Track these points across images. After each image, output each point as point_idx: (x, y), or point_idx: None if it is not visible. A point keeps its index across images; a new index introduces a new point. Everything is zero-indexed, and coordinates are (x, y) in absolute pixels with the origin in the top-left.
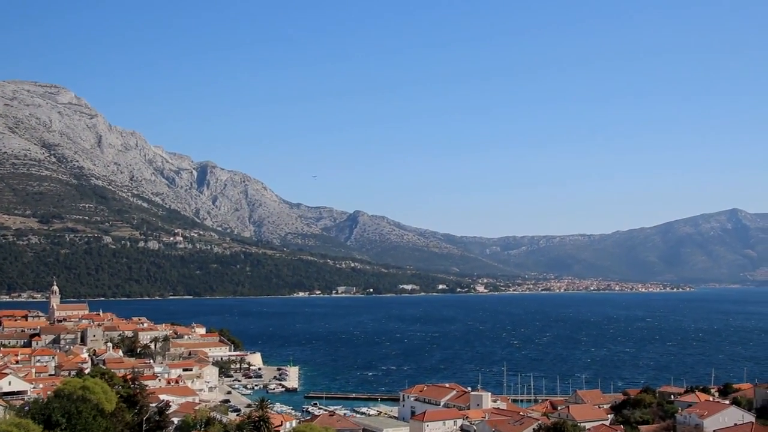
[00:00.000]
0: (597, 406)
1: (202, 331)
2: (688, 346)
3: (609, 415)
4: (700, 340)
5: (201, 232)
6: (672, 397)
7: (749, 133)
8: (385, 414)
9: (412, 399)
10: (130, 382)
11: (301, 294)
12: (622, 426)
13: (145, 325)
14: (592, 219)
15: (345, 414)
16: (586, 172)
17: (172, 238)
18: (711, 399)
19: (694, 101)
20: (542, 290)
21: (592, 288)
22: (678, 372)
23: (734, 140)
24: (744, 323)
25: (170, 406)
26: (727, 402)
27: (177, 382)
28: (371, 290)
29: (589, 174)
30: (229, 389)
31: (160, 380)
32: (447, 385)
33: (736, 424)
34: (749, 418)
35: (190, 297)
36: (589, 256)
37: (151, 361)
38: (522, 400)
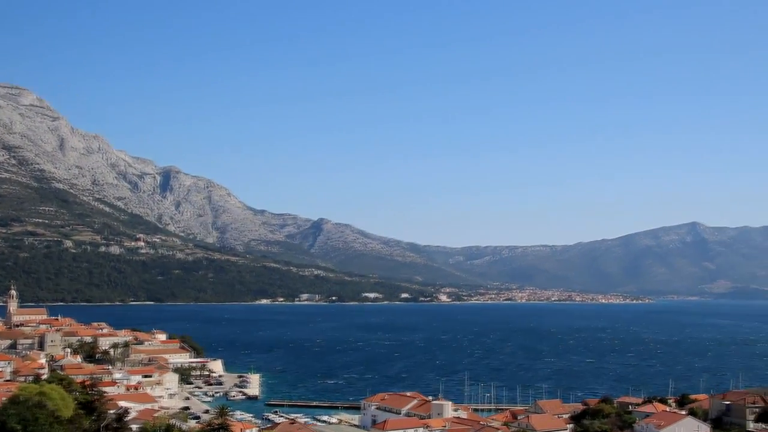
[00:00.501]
0: (557, 416)
1: (163, 337)
2: (648, 357)
3: (569, 425)
4: (659, 351)
5: (163, 238)
6: (630, 407)
7: (709, 148)
8: (347, 422)
9: (373, 407)
10: (89, 389)
11: (264, 301)
12: None
13: (105, 330)
14: (554, 230)
15: (306, 422)
16: (549, 184)
17: (134, 243)
18: (668, 409)
19: (655, 117)
20: (505, 300)
21: (554, 298)
22: (637, 383)
23: (694, 155)
24: (701, 335)
25: (129, 413)
26: (684, 413)
27: (137, 388)
28: (334, 298)
29: (553, 185)
30: (190, 396)
31: (119, 387)
32: (408, 394)
33: None
34: (705, 428)
35: (152, 303)
36: (551, 266)
37: (111, 367)
38: (483, 410)
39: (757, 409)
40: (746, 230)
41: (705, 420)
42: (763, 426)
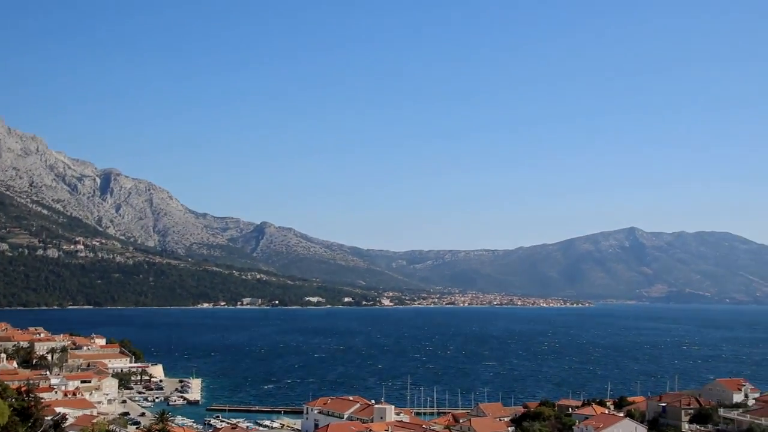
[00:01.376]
0: (498, 419)
1: (102, 342)
2: (587, 361)
3: (509, 428)
4: (598, 354)
5: (103, 241)
6: (570, 409)
7: (646, 155)
8: (289, 427)
9: (315, 412)
10: (24, 395)
11: (205, 305)
12: None
13: (42, 335)
14: (496, 235)
15: (248, 427)
16: (490, 190)
17: (72, 246)
18: (606, 412)
19: (593, 127)
20: (447, 304)
21: (495, 302)
22: (576, 386)
23: (632, 162)
24: (639, 338)
25: (67, 419)
26: (622, 414)
27: (74, 394)
28: (277, 302)
29: (493, 192)
30: (129, 401)
31: (56, 392)
32: (351, 398)
33: None
34: (642, 430)
35: (91, 307)
36: (492, 271)
37: (48, 372)
38: (425, 413)
39: (692, 411)
40: (682, 236)
41: (642, 422)
42: (698, 427)
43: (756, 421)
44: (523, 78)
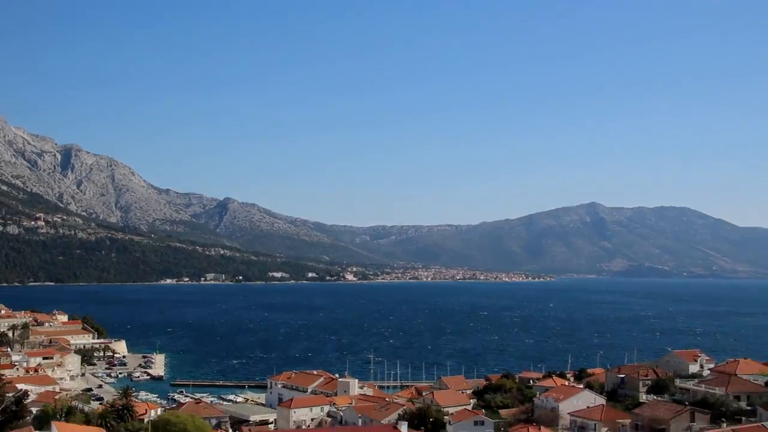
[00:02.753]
0: (460, 392)
1: (64, 318)
2: (548, 334)
3: (471, 400)
4: (559, 328)
5: (64, 217)
6: (531, 382)
7: (607, 131)
8: (253, 401)
9: (279, 386)
10: None
11: (168, 281)
12: (483, 410)
13: (3, 312)
14: (459, 210)
15: (212, 401)
16: (453, 165)
17: (33, 223)
18: (567, 383)
19: (556, 103)
20: (410, 279)
21: (458, 277)
22: (537, 359)
23: (594, 137)
24: (599, 312)
25: (29, 396)
26: (581, 386)
27: (36, 370)
28: (240, 278)
29: (457, 166)
30: (92, 377)
31: (18, 369)
32: (314, 372)
33: (588, 407)
34: (600, 400)
35: (52, 283)
36: (456, 246)
37: (9, 349)
38: (388, 387)
39: (649, 381)
40: (642, 211)
41: (601, 393)
42: (654, 397)
43: (710, 390)
44: (484, 56)
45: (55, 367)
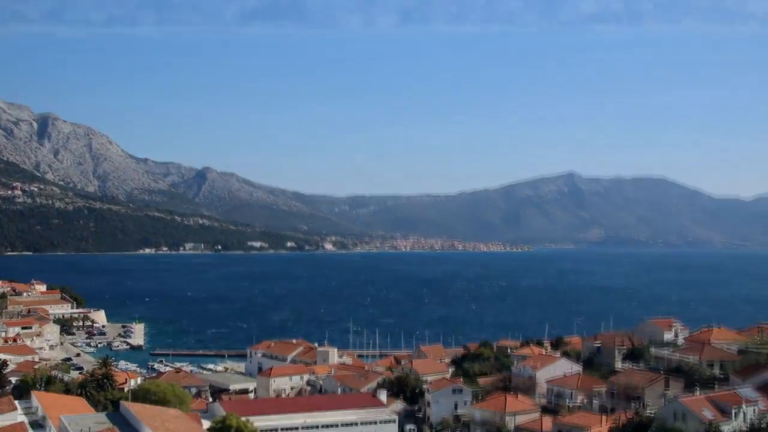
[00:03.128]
0: (439, 360)
1: (42, 288)
2: (526, 303)
3: (450, 369)
4: (537, 297)
5: (42, 186)
6: (509, 350)
7: (585, 101)
8: (232, 370)
9: (259, 355)
10: None
11: (147, 251)
12: (461, 378)
13: None
14: (438, 180)
15: (191, 371)
16: (432, 135)
17: (10, 192)
18: (544, 352)
19: (531, 71)
20: (389, 249)
21: (436, 247)
22: (515, 328)
23: (572, 107)
24: (577, 281)
25: (8, 365)
26: (558, 354)
27: (15, 340)
28: (219, 247)
29: (436, 136)
30: (71, 347)
31: None
32: (294, 341)
33: (565, 375)
34: (577, 368)
35: (30, 253)
36: (434, 216)
37: None
38: (367, 356)
39: (625, 349)
40: (619, 181)
41: (578, 361)
42: (630, 364)
43: (684, 358)
44: (462, 27)
45: (34, 337)
